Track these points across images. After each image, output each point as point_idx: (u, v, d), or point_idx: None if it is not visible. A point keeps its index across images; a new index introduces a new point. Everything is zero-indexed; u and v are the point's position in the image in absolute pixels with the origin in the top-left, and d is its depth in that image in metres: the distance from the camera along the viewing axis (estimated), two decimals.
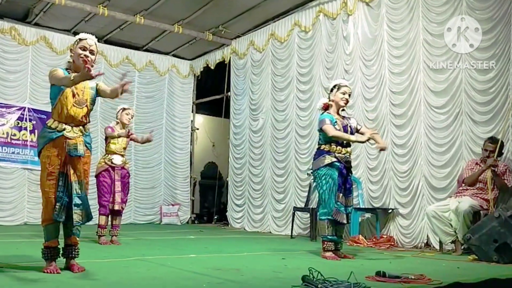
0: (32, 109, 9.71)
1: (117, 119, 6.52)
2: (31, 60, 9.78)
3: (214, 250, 5.98)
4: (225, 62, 10.72)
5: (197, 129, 12.39)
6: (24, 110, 9.67)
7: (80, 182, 3.63)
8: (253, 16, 9.45)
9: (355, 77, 7.67)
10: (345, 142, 5.10)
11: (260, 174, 9.61)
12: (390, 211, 7.00)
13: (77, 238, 3.77)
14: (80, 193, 3.61)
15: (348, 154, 5.13)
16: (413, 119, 6.87)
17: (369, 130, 5.30)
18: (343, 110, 5.30)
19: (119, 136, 6.32)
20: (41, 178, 3.64)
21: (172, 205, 11.23)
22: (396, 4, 7.25)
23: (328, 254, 4.98)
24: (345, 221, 5.10)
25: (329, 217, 4.98)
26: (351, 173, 5.28)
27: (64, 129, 3.60)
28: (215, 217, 11.56)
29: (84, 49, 3.72)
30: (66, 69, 3.78)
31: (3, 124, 9.47)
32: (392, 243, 6.65)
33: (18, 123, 9.62)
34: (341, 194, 5.04)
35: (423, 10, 6.87)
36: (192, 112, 12.06)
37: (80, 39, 3.77)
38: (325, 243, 5.03)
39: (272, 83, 9.40)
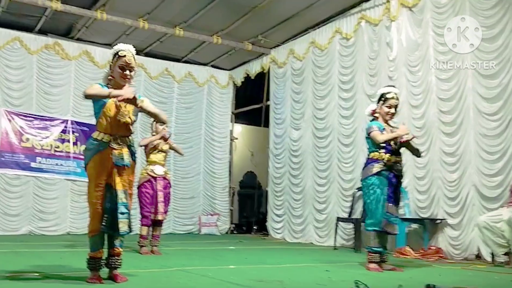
0: (75, 121, 9.92)
1: (152, 131, 6.51)
2: (74, 74, 10.02)
3: (254, 261, 5.91)
4: (264, 72, 10.68)
5: (236, 138, 12.35)
6: (67, 123, 9.89)
7: (125, 192, 3.63)
8: (292, 25, 9.38)
9: (400, 83, 7.43)
10: (395, 149, 4.93)
11: (301, 183, 9.46)
12: (438, 221, 6.72)
13: (121, 249, 3.74)
14: (125, 202, 3.61)
15: (398, 162, 4.95)
16: (462, 126, 6.61)
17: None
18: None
19: (154, 145, 6.32)
20: (89, 189, 3.66)
21: (211, 215, 11.21)
22: (441, 8, 7.03)
23: (372, 265, 4.85)
24: (396, 232, 4.98)
25: (376, 228, 4.83)
26: (401, 183, 5.08)
27: (110, 140, 3.62)
28: (255, 227, 11.45)
29: (124, 68, 3.68)
30: (106, 84, 3.77)
31: (47, 137, 9.70)
32: (441, 255, 6.39)
33: (61, 135, 9.84)
34: (390, 204, 4.88)
35: (471, 14, 6.61)
36: (231, 121, 12.06)
37: (119, 56, 3.70)
38: (370, 254, 4.91)
39: (313, 91, 9.28)
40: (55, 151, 9.77)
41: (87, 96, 3.60)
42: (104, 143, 3.61)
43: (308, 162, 9.32)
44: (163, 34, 9.84)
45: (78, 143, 9.90)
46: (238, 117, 12.45)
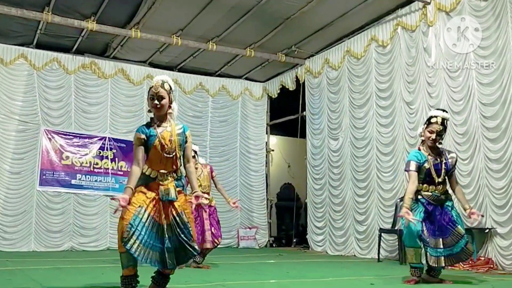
0: (112, 138, 10.08)
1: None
2: (110, 92, 10.21)
3: (296, 275, 5.82)
4: (301, 82, 10.62)
5: (272, 150, 12.28)
6: (105, 140, 10.05)
7: (170, 225, 3.60)
8: (326, 34, 9.30)
9: (440, 89, 7.27)
10: (437, 180, 4.73)
11: (341, 194, 9.31)
12: (487, 230, 6.46)
13: (173, 270, 3.73)
14: (171, 236, 3.58)
15: (438, 192, 4.75)
16: (508, 131, 6.34)
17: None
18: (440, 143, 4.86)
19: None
20: (123, 209, 3.60)
21: (249, 228, 11.14)
22: (479, 12, 6.81)
23: (410, 278, 4.72)
24: (440, 265, 4.66)
25: (409, 243, 4.64)
26: (448, 209, 4.80)
27: (157, 176, 3.65)
28: (294, 240, 11.30)
29: (153, 98, 3.70)
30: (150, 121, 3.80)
31: (86, 154, 9.87)
32: (492, 266, 6.15)
33: (100, 152, 9.99)
34: (425, 230, 4.65)
35: None
36: (266, 133, 12.01)
37: (150, 88, 3.76)
38: (410, 269, 4.77)
39: (350, 100, 9.16)
40: (94, 168, 9.92)
41: None
42: (152, 178, 3.65)
43: (347, 173, 9.17)
44: (196, 49, 9.90)
45: (116, 159, 10.05)
46: (274, 129, 12.40)
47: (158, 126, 3.72)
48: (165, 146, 3.65)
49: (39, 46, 9.59)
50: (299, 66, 10.61)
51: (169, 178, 3.66)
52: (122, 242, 3.45)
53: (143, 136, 3.66)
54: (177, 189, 3.68)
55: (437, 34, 7.40)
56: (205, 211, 6.38)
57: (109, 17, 8.52)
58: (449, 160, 4.82)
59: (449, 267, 6.00)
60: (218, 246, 6.70)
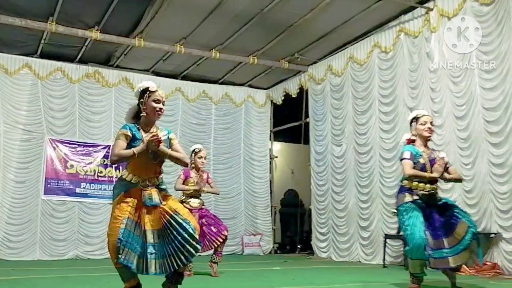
0: None
1: (191, 163, 6.41)
2: (114, 101, 10.24)
3: (302, 282, 5.81)
4: (304, 89, 10.66)
5: (276, 157, 12.30)
6: (109, 148, 10.04)
7: (156, 232, 3.52)
8: (329, 41, 9.34)
9: (443, 95, 7.29)
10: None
11: (344, 200, 9.32)
12: (492, 235, 6.45)
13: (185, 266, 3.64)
14: (155, 242, 3.49)
15: (433, 190, 4.63)
16: (511, 136, 6.36)
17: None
18: (429, 140, 4.80)
19: (192, 191, 6.34)
20: (109, 223, 3.59)
21: (254, 235, 11.14)
22: (482, 17, 6.83)
23: (412, 286, 4.58)
24: (449, 265, 4.52)
25: (413, 256, 4.48)
26: (447, 204, 4.72)
27: (138, 181, 3.57)
28: (299, 246, 11.30)
29: (158, 101, 3.62)
30: (135, 123, 3.68)
31: (90, 163, 9.91)
32: (498, 271, 6.15)
33: (104, 160, 10.02)
34: (427, 233, 4.53)
35: None
36: (270, 140, 12.04)
37: (151, 91, 3.62)
38: (411, 277, 4.63)
39: (353, 106, 9.19)
40: (98, 176, 9.97)
41: (114, 163, 3.58)
42: (133, 184, 3.57)
43: (350, 179, 9.19)
44: (200, 57, 9.94)
45: (120, 167, 10.05)
46: (277, 135, 12.42)
47: (144, 131, 3.62)
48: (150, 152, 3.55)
49: (43, 55, 9.65)
50: (302, 73, 10.64)
51: (151, 184, 3.59)
52: (116, 259, 3.40)
53: (129, 133, 3.55)
54: (162, 192, 3.62)
55: (439, 39, 7.42)
56: (195, 216, 6.24)
57: (113, 26, 8.58)
58: (442, 158, 4.67)
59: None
60: (223, 253, 6.60)
